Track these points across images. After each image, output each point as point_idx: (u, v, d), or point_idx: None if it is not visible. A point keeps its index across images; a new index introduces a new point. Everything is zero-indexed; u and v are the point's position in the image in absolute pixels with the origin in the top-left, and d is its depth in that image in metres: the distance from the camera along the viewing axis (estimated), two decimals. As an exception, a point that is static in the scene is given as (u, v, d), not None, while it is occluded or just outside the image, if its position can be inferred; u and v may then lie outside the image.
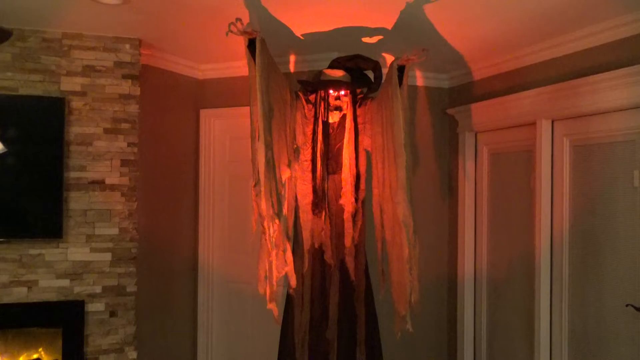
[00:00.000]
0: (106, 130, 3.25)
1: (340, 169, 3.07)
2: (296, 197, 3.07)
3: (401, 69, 2.76)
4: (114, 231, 3.26)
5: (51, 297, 3.14)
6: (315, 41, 3.26)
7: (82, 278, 3.20)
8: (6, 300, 3.07)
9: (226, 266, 4.07)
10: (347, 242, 3.01)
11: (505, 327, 3.62)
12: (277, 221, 2.53)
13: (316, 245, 3.07)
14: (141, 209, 3.40)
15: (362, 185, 3.07)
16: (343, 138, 3.06)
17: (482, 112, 3.67)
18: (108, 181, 3.25)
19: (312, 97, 3.09)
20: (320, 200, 3.01)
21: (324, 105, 3.02)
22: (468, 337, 3.90)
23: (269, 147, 2.53)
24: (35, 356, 3.22)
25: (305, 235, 3.06)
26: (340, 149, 3.07)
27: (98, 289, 3.23)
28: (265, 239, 2.56)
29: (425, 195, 3.98)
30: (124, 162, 3.28)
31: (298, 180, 3.06)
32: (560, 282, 3.10)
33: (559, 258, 3.12)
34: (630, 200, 2.70)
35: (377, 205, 3.03)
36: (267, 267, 2.61)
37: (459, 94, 3.97)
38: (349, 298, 3.10)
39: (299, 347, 3.08)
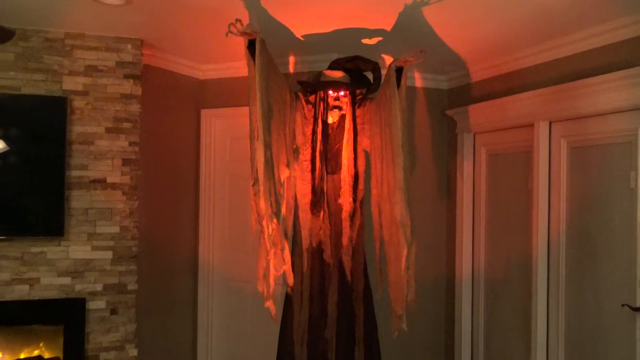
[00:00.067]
0: (108, 130, 3.27)
1: (340, 169, 3.08)
2: (295, 196, 3.10)
3: (399, 71, 2.77)
4: (115, 230, 3.28)
5: (53, 294, 3.17)
6: (315, 42, 3.28)
7: (84, 276, 3.22)
8: (8, 297, 3.09)
9: (226, 265, 4.08)
10: (344, 241, 3.03)
11: (503, 327, 3.64)
12: (275, 220, 2.56)
13: (314, 245, 3.08)
14: (142, 208, 3.42)
15: (361, 185, 3.08)
16: (342, 138, 3.07)
17: (480, 113, 3.69)
18: (109, 180, 3.27)
19: (311, 98, 3.10)
20: (319, 199, 3.03)
21: (324, 105, 3.04)
22: (466, 337, 3.92)
23: (267, 146, 2.55)
24: (36, 353, 3.23)
25: (305, 234, 3.08)
26: (339, 149, 3.09)
27: (99, 287, 3.25)
28: (264, 238, 2.59)
29: (424, 196, 3.99)
30: (126, 161, 3.30)
31: (297, 180, 3.08)
32: (557, 282, 3.12)
33: (555, 258, 3.13)
34: (626, 201, 2.71)
35: (375, 205, 3.05)
36: (265, 266, 2.64)
37: (458, 95, 3.99)
38: (347, 297, 3.11)
39: (298, 345, 3.10)
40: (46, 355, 3.23)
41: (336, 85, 3.03)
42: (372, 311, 3.18)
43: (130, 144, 3.31)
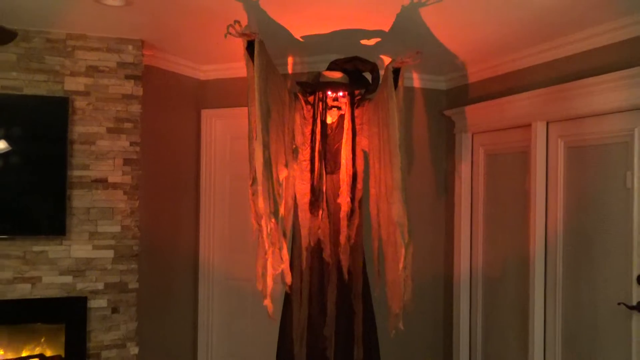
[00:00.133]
0: (109, 130, 3.29)
1: (339, 169, 3.09)
2: (295, 196, 3.12)
3: (396, 72, 2.78)
4: (116, 229, 3.30)
5: (54, 293, 3.19)
6: (313, 43, 3.29)
7: (85, 275, 3.24)
8: (10, 296, 3.11)
9: (226, 264, 4.10)
10: (342, 240, 3.05)
11: (500, 325, 3.66)
12: (273, 220, 2.58)
13: (314, 244, 3.10)
14: (143, 207, 3.44)
15: (360, 185, 3.10)
16: (341, 138, 3.09)
17: (478, 114, 3.71)
18: (111, 180, 3.29)
19: (310, 98, 3.12)
20: (318, 199, 3.05)
21: (323, 106, 3.05)
22: (464, 335, 3.94)
23: (266, 146, 2.56)
24: (38, 351, 3.25)
25: (304, 233, 3.10)
26: (338, 149, 3.11)
27: (100, 286, 3.27)
28: (262, 237, 2.61)
29: (422, 195, 4.01)
30: (127, 161, 3.32)
31: (297, 180, 3.10)
32: (554, 280, 3.14)
33: (552, 257, 3.15)
34: (622, 200, 2.73)
35: (374, 204, 3.07)
36: (263, 264, 2.66)
37: (456, 96, 4.01)
38: (346, 295, 3.12)
39: (297, 343, 3.11)
40: (48, 353, 3.25)
41: (335, 85, 3.04)
42: (371, 310, 3.20)
43: (131, 144, 3.33)
